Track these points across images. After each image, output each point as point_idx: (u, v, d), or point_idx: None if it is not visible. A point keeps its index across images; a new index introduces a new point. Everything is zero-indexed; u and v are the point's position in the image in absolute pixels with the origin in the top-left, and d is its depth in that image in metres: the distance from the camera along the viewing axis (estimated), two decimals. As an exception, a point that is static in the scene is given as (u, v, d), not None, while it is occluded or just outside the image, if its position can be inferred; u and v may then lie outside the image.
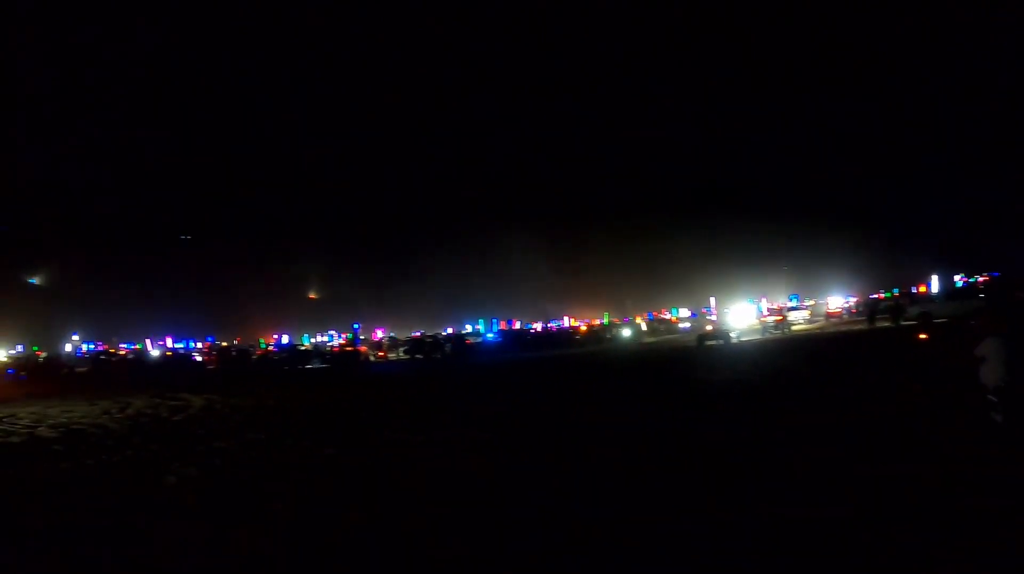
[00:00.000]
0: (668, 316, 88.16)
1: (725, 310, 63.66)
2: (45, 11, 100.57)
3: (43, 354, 72.72)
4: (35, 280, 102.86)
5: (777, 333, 52.55)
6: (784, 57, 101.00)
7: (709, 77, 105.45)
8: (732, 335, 47.42)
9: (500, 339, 67.93)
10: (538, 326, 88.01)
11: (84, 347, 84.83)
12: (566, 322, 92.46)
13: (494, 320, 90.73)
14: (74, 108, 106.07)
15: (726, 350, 40.25)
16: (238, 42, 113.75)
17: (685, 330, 71.24)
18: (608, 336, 67.83)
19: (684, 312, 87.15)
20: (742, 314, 59.42)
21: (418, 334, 76.48)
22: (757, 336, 51.47)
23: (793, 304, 71.95)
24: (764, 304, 71.63)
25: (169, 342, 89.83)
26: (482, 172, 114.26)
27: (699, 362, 31.44)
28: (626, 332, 66.20)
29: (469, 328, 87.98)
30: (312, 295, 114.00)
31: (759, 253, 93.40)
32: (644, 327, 77.36)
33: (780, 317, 57.77)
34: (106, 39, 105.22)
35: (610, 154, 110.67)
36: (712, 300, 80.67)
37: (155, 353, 76.71)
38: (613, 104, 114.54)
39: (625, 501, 9.24)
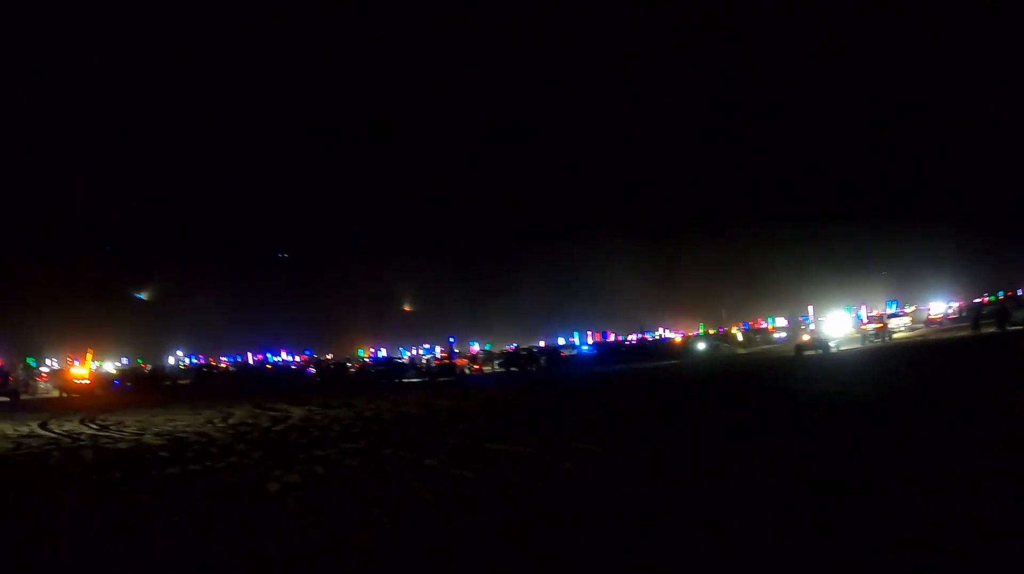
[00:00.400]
0: (764, 325, 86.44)
1: (822, 319, 61.86)
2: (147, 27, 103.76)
3: (147, 366, 74.92)
4: (142, 295, 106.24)
5: (877, 342, 50.94)
6: (878, 57, 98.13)
7: (802, 84, 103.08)
8: (831, 344, 45.98)
9: (595, 351, 67.39)
10: (633, 337, 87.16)
11: (186, 360, 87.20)
12: (661, 333, 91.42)
13: (581, 332, 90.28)
14: (176, 127, 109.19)
15: (825, 361, 38.93)
16: (339, 62, 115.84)
17: (781, 340, 69.63)
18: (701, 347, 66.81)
19: (780, 321, 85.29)
20: (838, 322, 57.48)
21: (512, 347, 76.49)
22: (857, 345, 49.91)
23: (893, 311, 69.69)
24: (863, 311, 69.49)
25: (269, 356, 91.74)
26: (575, 183, 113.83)
27: (798, 374, 30.35)
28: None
29: (562, 341, 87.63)
30: (407, 308, 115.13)
31: (857, 258, 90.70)
32: (740, 337, 76.00)
33: (880, 324, 55.93)
34: (209, 55, 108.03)
35: (704, 162, 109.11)
36: (810, 308, 78.62)
37: (254, 365, 78.34)
38: (708, 111, 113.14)
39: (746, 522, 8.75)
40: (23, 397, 48.65)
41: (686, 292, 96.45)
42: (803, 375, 29.08)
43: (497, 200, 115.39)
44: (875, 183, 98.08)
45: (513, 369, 59.82)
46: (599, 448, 14.06)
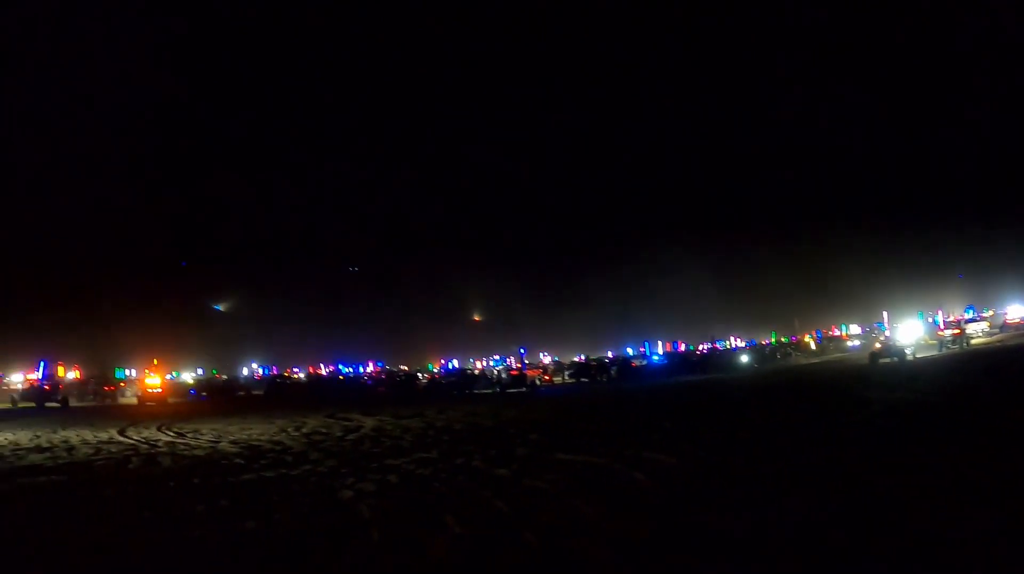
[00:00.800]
0: (838, 333, 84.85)
1: (896, 325, 60.40)
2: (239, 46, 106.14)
3: (222, 377, 76.34)
4: (219, 307, 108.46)
5: (955, 348, 49.53)
6: (951, 59, 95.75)
7: (874, 86, 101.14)
8: (907, 351, 44.80)
9: (665, 361, 66.80)
10: (703, 347, 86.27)
11: (259, 371, 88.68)
12: (733, 342, 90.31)
13: (651, 342, 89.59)
14: (250, 144, 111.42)
15: (901, 368, 37.93)
16: (405, 78, 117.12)
17: (855, 348, 68.22)
18: (777, 355, 65.88)
19: (855, 329, 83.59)
20: (912, 329, 55.79)
21: (582, 357, 76.27)
22: (934, 352, 48.61)
23: (970, 316, 67.75)
24: (940, 317, 67.69)
25: (341, 367, 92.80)
26: (647, 192, 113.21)
27: (873, 382, 29.58)
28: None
29: (630, 351, 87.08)
30: (477, 318, 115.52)
31: (933, 263, 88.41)
32: (813, 345, 74.75)
33: (958, 330, 54.32)
34: (284, 74, 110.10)
35: (775, 168, 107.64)
36: (884, 315, 76.75)
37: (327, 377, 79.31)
38: (779, 118, 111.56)
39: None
40: (105, 403, 50.63)
41: (758, 300, 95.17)
42: (878, 383, 28.39)
43: (568, 211, 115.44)
44: (951, 186, 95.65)
45: (583, 380, 59.61)
46: (670, 458, 13.90)
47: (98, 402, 53.01)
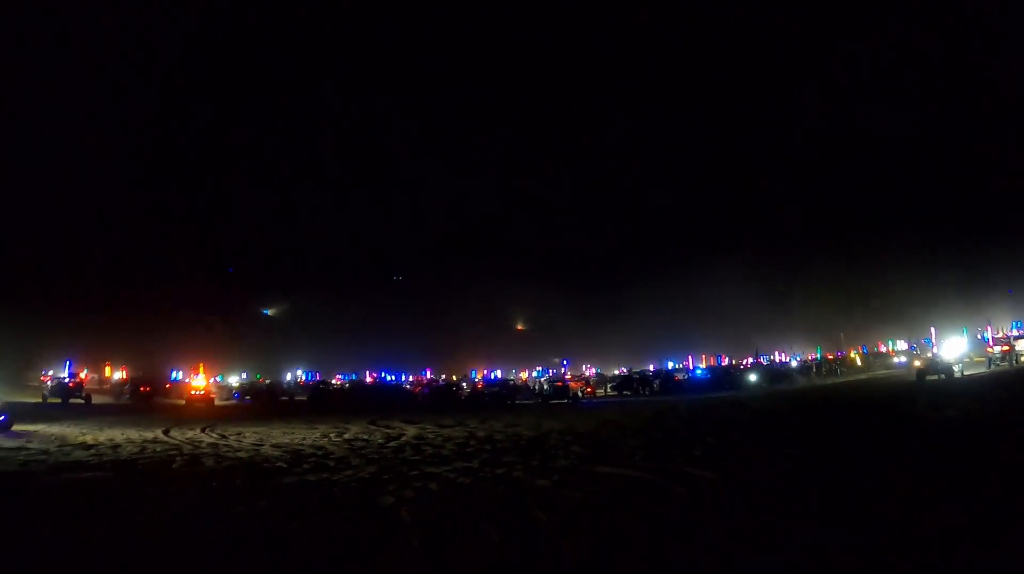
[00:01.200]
0: (885, 349, 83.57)
1: (942, 342, 59.16)
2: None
3: (266, 381, 77.06)
4: (267, 311, 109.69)
5: (1004, 365, 48.43)
6: (999, 69, 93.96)
7: (921, 96, 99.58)
8: (955, 369, 43.87)
9: (708, 375, 66.22)
10: (747, 361, 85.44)
11: (303, 376, 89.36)
12: (777, 357, 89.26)
13: (695, 355, 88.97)
14: (295, 155, 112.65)
15: (949, 386, 37.17)
16: (453, 89, 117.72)
17: (902, 364, 67.10)
18: (824, 370, 65.10)
19: (901, 344, 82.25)
20: (957, 345, 54.37)
21: (625, 370, 75.95)
22: (982, 369, 47.61)
23: (1019, 332, 66.34)
24: (989, 333, 66.29)
25: (385, 375, 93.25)
26: (691, 206, 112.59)
27: (920, 400, 28.98)
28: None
29: (671, 364, 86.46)
30: (520, 327, 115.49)
31: (981, 277, 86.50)
32: (859, 361, 73.68)
33: (1007, 347, 53.11)
34: (341, 87, 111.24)
35: (822, 182, 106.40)
36: (932, 330, 75.25)
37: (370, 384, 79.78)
38: (825, 131, 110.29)
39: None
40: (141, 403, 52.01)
41: (804, 315, 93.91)
42: (926, 401, 27.87)
43: (611, 223, 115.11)
44: (1001, 199, 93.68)
45: (626, 393, 59.33)
46: (712, 474, 13.76)
47: (133, 402, 53.97)
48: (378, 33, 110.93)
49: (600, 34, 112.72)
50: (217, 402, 54.76)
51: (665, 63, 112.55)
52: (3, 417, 26.28)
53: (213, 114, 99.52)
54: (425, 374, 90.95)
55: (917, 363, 47.09)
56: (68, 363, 54.36)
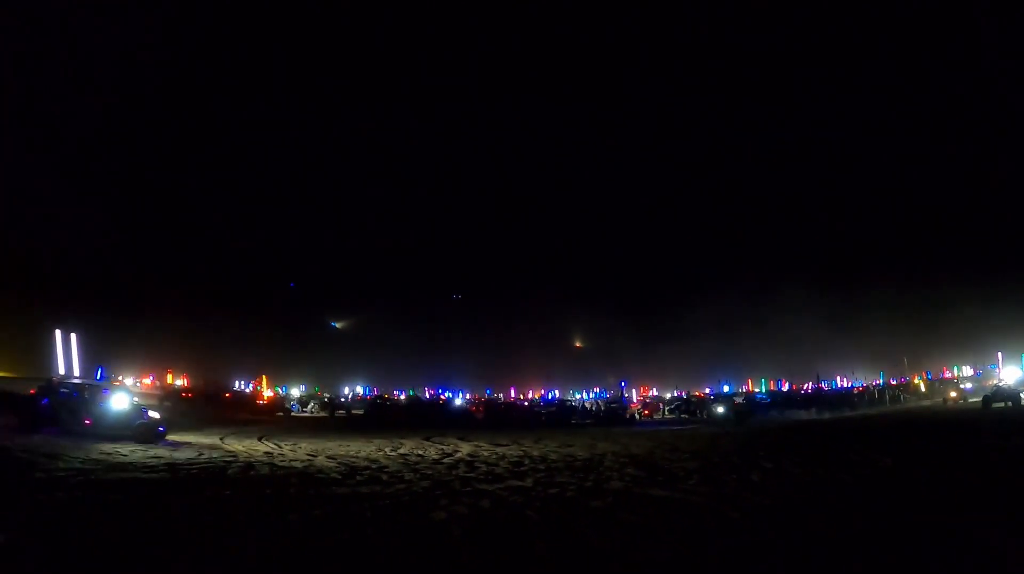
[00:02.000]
0: (949, 374, 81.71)
1: (1006, 368, 57.31)
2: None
3: (324, 395, 77.82)
4: (335, 324, 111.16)
5: None
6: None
7: (981, 113, 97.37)
8: (1023, 396, 42.65)
9: (767, 400, 65.40)
10: (808, 386, 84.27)
11: (360, 391, 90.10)
12: (838, 382, 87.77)
13: (754, 379, 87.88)
14: (360, 170, 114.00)
15: (1016, 414, 36.11)
16: (513, 112, 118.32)
17: (968, 390, 65.47)
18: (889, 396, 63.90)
19: (967, 370, 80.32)
20: (1016, 373, 52.82)
21: (682, 392, 75.45)
22: None
23: None
24: None
25: (443, 392, 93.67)
26: (749, 227, 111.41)
27: (985, 428, 28.15)
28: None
29: (726, 388, 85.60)
30: (578, 344, 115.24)
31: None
32: (923, 387, 72.13)
33: None
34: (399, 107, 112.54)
35: (879, 202, 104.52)
36: (999, 356, 73.10)
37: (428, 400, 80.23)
38: (886, 153, 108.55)
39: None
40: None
41: (867, 339, 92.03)
42: (991, 429, 27.09)
43: (671, 244, 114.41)
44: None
45: (684, 416, 58.77)
46: (768, 500, 13.51)
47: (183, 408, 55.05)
48: (465, 70, 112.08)
49: (665, 67, 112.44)
50: (276, 414, 55.49)
51: (735, 90, 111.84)
52: (161, 428, 26.65)
53: (275, 129, 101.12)
54: (490, 392, 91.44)
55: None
56: (100, 370, 55.41)
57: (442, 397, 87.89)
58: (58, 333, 43.56)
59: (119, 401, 26.75)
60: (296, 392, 77.29)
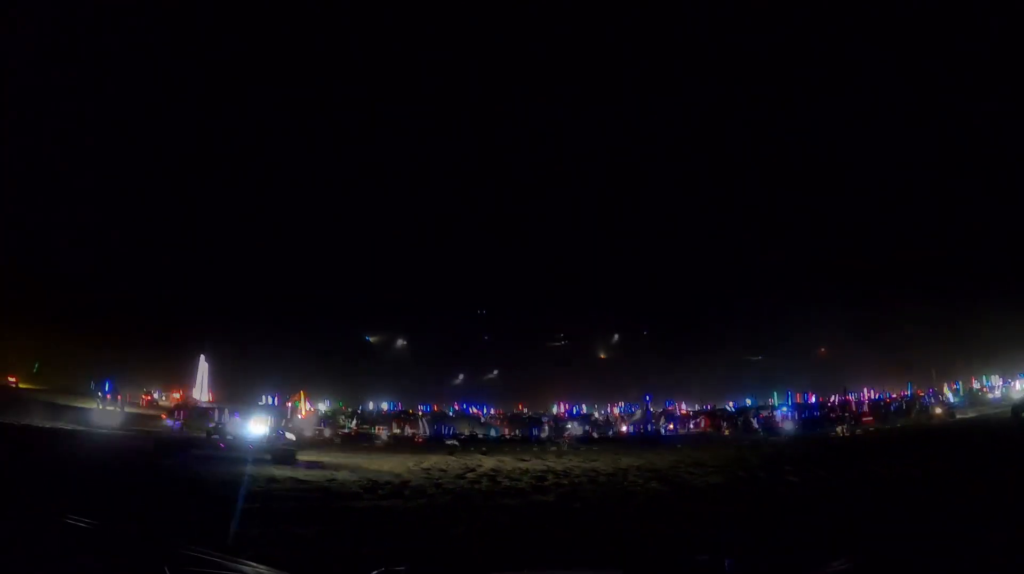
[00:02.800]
0: (978, 385, 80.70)
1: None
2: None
3: (348, 410, 78.00)
4: (369, 338, 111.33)
5: None
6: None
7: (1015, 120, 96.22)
8: None
9: (792, 413, 64.99)
10: (835, 399, 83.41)
11: (385, 406, 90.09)
12: (866, 394, 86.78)
13: (780, 393, 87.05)
14: (390, 190, 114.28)
15: None
16: (539, 123, 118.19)
17: (997, 401, 64.63)
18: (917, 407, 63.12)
19: (996, 380, 79.29)
20: None
21: (708, 406, 74.97)
22: None
23: None
24: None
25: (467, 406, 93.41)
26: (776, 241, 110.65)
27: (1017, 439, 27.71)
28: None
29: (748, 402, 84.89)
30: (602, 355, 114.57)
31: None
32: (952, 399, 71.19)
33: None
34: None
35: (905, 213, 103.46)
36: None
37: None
38: (915, 162, 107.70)
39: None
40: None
41: (895, 351, 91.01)
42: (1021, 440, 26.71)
43: (696, 257, 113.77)
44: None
45: (709, 430, 58.45)
46: (792, 515, 13.36)
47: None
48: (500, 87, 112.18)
49: (698, 80, 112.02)
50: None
51: (769, 100, 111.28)
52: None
53: (313, 145, 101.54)
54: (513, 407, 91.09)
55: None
56: (107, 383, 56.07)
57: (468, 412, 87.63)
58: (202, 358, 43.99)
59: (258, 425, 26.77)
60: (322, 407, 77.37)
